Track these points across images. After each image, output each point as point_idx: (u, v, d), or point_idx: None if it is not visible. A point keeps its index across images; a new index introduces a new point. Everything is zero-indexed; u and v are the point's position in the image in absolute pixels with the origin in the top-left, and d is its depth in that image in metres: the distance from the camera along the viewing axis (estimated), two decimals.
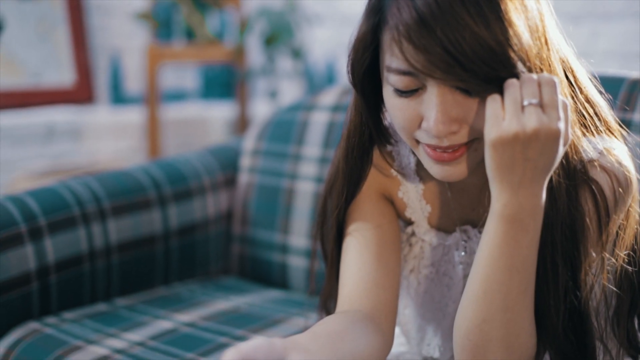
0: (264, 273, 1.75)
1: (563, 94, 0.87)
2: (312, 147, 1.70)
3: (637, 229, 0.95)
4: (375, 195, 1.05)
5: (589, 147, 0.92)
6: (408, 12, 0.82)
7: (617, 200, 0.92)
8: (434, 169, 0.90)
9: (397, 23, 0.83)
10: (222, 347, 1.31)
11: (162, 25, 3.13)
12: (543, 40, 0.86)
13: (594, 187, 0.91)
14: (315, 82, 3.25)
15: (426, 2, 0.81)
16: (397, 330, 1.13)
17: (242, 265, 1.80)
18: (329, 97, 1.75)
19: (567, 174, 0.89)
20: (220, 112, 3.37)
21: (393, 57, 0.85)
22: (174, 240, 1.68)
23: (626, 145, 0.96)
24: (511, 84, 0.82)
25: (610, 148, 0.93)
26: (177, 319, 1.46)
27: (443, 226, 1.06)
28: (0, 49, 2.75)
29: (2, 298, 1.40)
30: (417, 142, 0.90)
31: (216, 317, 1.47)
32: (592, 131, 0.94)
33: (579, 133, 0.92)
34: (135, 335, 1.38)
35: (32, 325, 1.41)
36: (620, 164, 0.92)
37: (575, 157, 0.90)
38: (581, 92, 0.94)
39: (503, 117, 0.82)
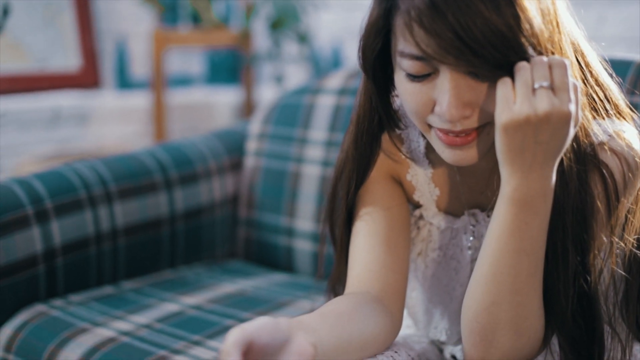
0: (269, 256, 1.75)
1: (574, 76, 0.87)
2: (318, 131, 1.70)
3: None
4: (384, 177, 1.04)
5: (599, 130, 0.92)
6: None
7: (626, 183, 0.92)
8: (446, 154, 0.90)
9: (409, 7, 0.82)
10: (228, 329, 1.31)
11: (167, 9, 3.12)
12: (555, 23, 0.86)
13: (603, 170, 0.90)
14: (321, 67, 3.24)
15: None
16: (404, 313, 1.13)
17: (248, 248, 1.80)
18: (335, 80, 1.74)
19: (577, 158, 0.89)
20: (226, 97, 3.36)
21: (405, 42, 0.85)
22: (180, 223, 1.68)
23: (636, 128, 0.96)
24: (522, 67, 0.82)
25: (620, 131, 0.93)
26: (183, 301, 1.47)
27: (451, 210, 1.05)
28: (7, 33, 2.74)
29: (9, 280, 1.40)
30: (429, 126, 0.90)
31: (222, 300, 1.47)
32: (602, 114, 0.94)
33: (589, 116, 0.91)
34: (141, 318, 1.38)
35: (39, 307, 1.42)
36: (630, 147, 0.92)
37: (585, 140, 0.90)
38: (591, 75, 0.93)
39: (514, 100, 0.81)
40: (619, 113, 0.95)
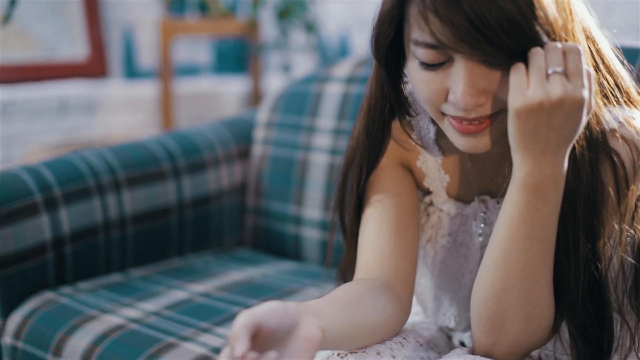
0: (277, 245, 1.76)
1: (587, 63, 0.86)
2: (326, 119, 1.69)
3: None
4: (394, 164, 1.04)
5: (610, 117, 0.91)
6: None
7: (636, 171, 0.91)
8: (459, 141, 0.89)
9: None
10: (236, 316, 1.32)
11: None
12: (568, 11, 0.85)
13: (614, 157, 0.90)
14: (329, 56, 3.23)
15: None
16: (413, 299, 1.13)
17: (256, 236, 1.80)
18: (343, 68, 1.74)
19: (589, 145, 0.88)
20: (233, 86, 3.36)
21: (420, 30, 0.84)
22: (188, 211, 1.68)
23: None
24: (536, 53, 0.81)
25: (630, 118, 0.92)
26: (191, 289, 1.47)
27: (461, 196, 1.05)
28: (14, 23, 2.74)
29: (18, 268, 1.41)
30: (443, 114, 0.90)
31: (230, 288, 1.47)
32: (612, 101, 0.93)
33: (600, 103, 0.91)
34: (150, 305, 1.38)
35: (48, 294, 1.42)
36: None
37: (596, 127, 0.89)
38: (603, 62, 0.93)
39: (527, 85, 0.81)
40: (630, 100, 0.95)
